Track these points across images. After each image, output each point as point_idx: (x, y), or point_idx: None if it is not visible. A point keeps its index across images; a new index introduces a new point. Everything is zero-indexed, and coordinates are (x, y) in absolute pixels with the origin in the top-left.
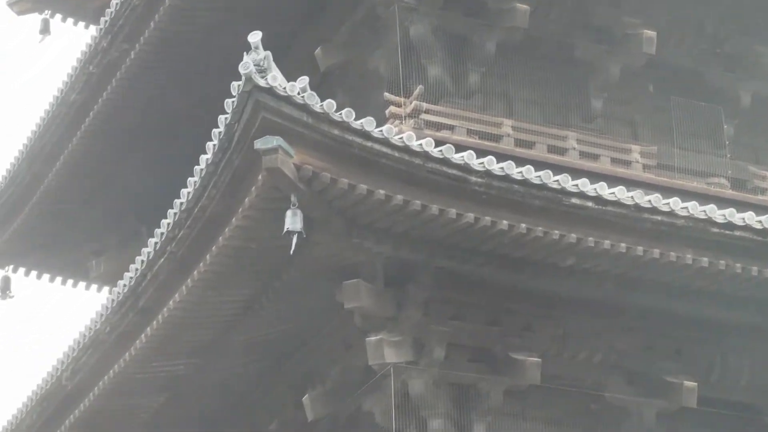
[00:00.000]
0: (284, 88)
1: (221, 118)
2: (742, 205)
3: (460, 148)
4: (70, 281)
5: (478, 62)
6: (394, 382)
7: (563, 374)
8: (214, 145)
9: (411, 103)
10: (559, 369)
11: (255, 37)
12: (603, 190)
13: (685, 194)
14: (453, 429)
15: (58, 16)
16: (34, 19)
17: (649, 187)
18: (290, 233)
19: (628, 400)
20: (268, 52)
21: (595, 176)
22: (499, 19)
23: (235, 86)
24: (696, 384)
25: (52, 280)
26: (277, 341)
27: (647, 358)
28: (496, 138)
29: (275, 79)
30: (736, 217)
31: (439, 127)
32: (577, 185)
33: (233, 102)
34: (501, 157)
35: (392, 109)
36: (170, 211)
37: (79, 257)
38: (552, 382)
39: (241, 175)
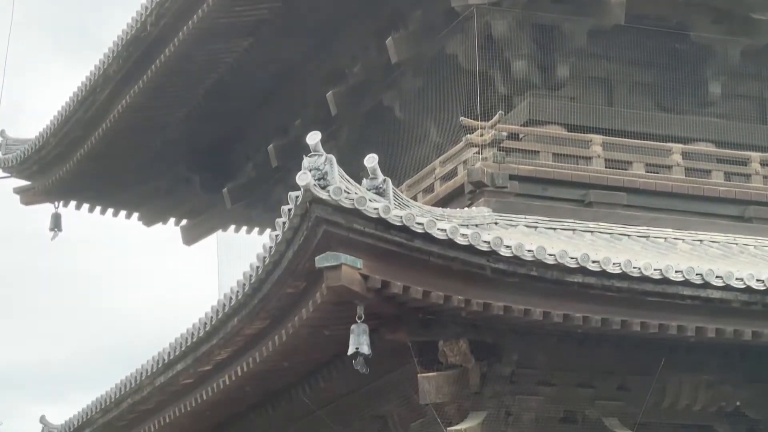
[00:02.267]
0: None
1: None
2: None
3: None
4: None
5: None
6: (477, 24)
7: (648, 14)
8: None
9: None
10: (644, 8)
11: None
12: None
13: None
14: (536, 70)
15: None
16: None
17: None
18: None
19: (714, 38)
20: None
21: None
22: None
23: None
24: None
25: None
26: None
27: None
28: None
29: None
30: None
31: None
32: None
33: None
34: None
35: None
36: None
37: None
38: (637, 21)
39: None
